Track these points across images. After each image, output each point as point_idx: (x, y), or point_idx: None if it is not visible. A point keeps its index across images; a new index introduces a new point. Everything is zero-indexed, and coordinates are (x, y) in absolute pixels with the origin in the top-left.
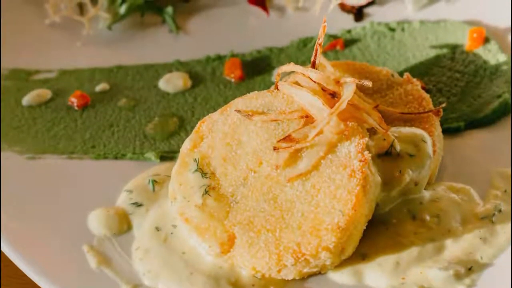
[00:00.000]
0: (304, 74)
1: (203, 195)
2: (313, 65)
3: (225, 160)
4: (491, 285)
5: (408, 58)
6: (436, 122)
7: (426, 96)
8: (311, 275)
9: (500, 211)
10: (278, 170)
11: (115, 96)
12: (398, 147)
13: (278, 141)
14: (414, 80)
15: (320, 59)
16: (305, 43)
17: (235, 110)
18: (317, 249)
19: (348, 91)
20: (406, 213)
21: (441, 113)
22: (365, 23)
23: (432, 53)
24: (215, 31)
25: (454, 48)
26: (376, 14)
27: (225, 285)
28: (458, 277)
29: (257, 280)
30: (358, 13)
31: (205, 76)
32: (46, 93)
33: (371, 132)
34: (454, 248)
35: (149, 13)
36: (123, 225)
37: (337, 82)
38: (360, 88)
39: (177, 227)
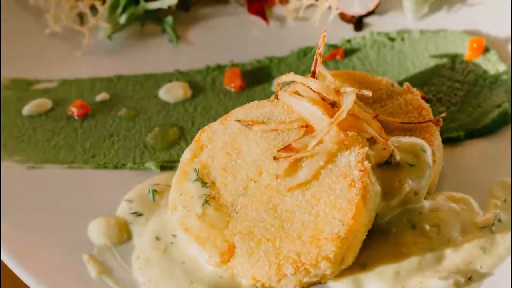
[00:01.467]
0: (304, 84)
1: (203, 204)
2: (313, 75)
3: (225, 169)
4: None
5: (408, 68)
6: (436, 131)
7: (426, 105)
8: (311, 284)
9: (499, 220)
10: (278, 179)
11: (115, 106)
12: (398, 156)
13: (278, 151)
14: (414, 89)
15: (320, 69)
16: (305, 53)
17: (235, 120)
18: (317, 258)
19: (348, 101)
20: (406, 222)
21: (441, 123)
22: (365, 32)
23: (432, 62)
24: (215, 40)
25: (454, 57)
26: (376, 23)
27: None
28: (458, 286)
29: None
30: (358, 23)
31: (205, 86)
32: (47, 103)
33: (371, 141)
34: (454, 257)
35: (149, 23)
36: (123, 234)
37: (337, 91)
38: (360, 98)
39: (177, 236)
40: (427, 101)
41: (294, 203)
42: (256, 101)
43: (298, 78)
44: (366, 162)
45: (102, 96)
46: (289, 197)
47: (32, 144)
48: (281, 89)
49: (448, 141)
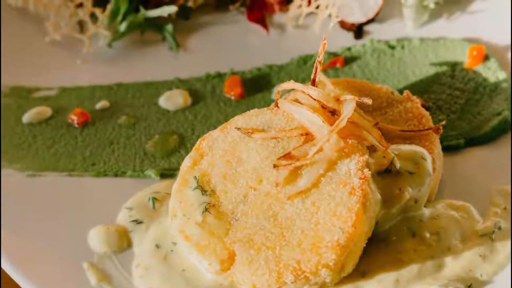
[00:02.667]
0: (304, 92)
1: (203, 212)
2: (313, 83)
3: (225, 177)
4: None
5: (408, 76)
6: (436, 139)
7: (426, 113)
8: None
9: (499, 228)
10: (278, 187)
11: (115, 114)
12: (398, 164)
13: (278, 159)
14: (414, 97)
15: (320, 77)
16: (305, 61)
17: (235, 128)
18: (317, 266)
19: (348, 109)
20: (406, 230)
21: (441, 131)
22: (365, 40)
23: (432, 70)
24: (215, 48)
25: (454, 65)
26: (376, 31)
27: None
28: None
29: None
30: (358, 31)
31: (205, 94)
32: (46, 111)
33: (371, 149)
34: (453, 265)
35: (149, 31)
36: (123, 242)
37: (337, 99)
38: (360, 106)
39: (177, 244)
40: (427, 109)
41: (294, 211)
42: (256, 109)
43: (298, 86)
44: (366, 170)
45: (102, 103)
46: (289, 205)
47: (32, 152)
48: (281, 97)
49: (448, 149)
